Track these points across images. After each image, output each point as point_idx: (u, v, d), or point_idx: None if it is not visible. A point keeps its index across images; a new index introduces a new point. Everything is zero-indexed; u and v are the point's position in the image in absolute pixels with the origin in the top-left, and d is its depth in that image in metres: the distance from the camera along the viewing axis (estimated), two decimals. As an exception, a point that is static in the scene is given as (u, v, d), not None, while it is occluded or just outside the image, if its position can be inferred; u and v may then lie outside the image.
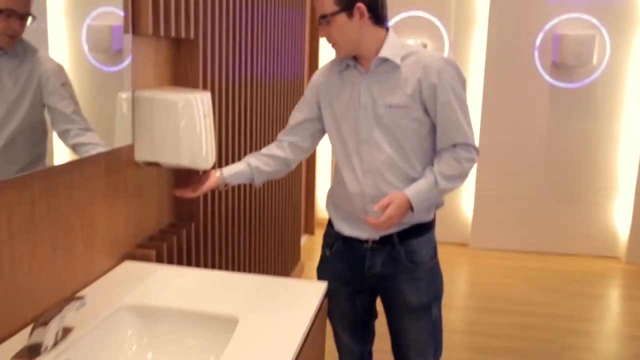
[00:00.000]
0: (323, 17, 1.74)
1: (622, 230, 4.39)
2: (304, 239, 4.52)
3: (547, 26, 4.20)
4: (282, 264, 3.37)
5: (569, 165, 4.37)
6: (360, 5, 1.74)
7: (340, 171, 1.90)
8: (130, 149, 1.70)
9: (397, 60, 1.78)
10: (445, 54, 4.38)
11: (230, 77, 2.31)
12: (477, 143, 1.87)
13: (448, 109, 1.78)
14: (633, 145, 4.25)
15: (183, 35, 1.86)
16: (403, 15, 4.39)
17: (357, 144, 1.83)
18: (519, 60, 4.29)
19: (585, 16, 4.16)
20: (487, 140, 4.32)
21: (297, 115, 1.98)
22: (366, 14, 1.74)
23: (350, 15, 1.74)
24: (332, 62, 1.93)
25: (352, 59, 1.85)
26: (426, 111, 1.80)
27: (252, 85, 2.58)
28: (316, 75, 1.97)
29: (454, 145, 1.81)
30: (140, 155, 1.75)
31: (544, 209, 4.44)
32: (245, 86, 2.50)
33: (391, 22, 4.40)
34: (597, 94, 4.25)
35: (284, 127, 2.21)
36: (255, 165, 1.95)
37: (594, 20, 4.15)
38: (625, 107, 4.26)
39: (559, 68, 4.24)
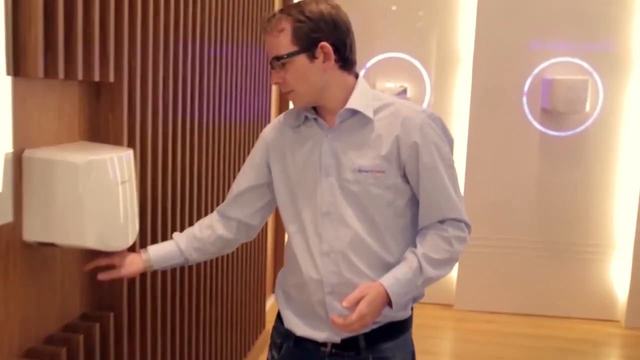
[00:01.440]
0: (277, 58, 1.39)
1: (620, 290, 4.02)
2: (271, 301, 4.07)
3: (536, 70, 3.90)
4: (243, 335, 2.91)
5: (562, 219, 4.02)
6: (325, 44, 1.39)
7: (293, 251, 1.50)
8: (13, 226, 1.28)
9: (369, 112, 1.43)
10: (427, 97, 4.05)
11: (170, 128, 1.92)
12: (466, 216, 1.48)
13: (434, 175, 1.41)
14: (630, 197, 3.92)
15: (97, 77, 1.46)
16: (381, 56, 4.06)
17: (315, 217, 1.45)
18: (506, 106, 3.96)
19: (576, 60, 3.86)
20: (472, 191, 3.96)
21: (242, 181, 1.59)
22: (332, 56, 1.40)
23: (312, 57, 1.39)
24: (287, 115, 1.55)
25: (311, 111, 1.48)
26: (405, 178, 1.43)
27: (200, 135, 2.18)
28: (266, 130, 1.60)
29: (442, 222, 1.43)
30: (31, 234, 1.33)
31: (535, 267, 4.06)
32: (192, 137, 2.10)
33: (368, 64, 4.08)
34: (590, 143, 3.94)
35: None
36: (187, 248, 1.56)
37: (585, 65, 3.86)
38: (620, 157, 3.94)
39: (549, 115, 3.93)
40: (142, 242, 1.74)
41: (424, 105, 4.05)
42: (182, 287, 2.08)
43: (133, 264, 1.50)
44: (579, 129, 3.91)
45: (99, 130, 1.60)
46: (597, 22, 3.85)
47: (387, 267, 1.41)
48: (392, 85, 4.02)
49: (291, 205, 1.50)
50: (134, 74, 1.65)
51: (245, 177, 1.58)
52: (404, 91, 4.00)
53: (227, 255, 2.59)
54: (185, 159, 2.05)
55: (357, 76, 1.48)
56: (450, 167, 1.44)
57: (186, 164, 2.06)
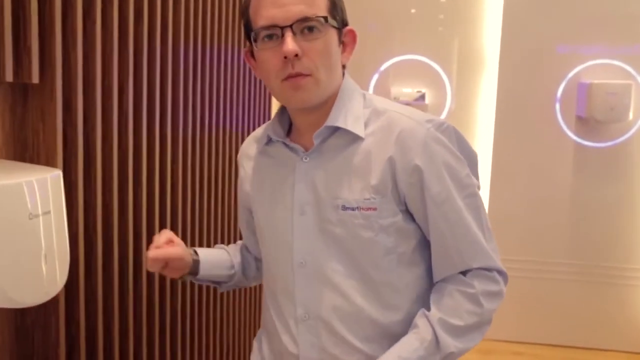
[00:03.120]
0: (306, 19, 1.01)
1: (664, 321, 3.58)
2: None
3: (571, 74, 3.49)
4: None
5: (599, 240, 3.59)
6: (353, 30, 1.08)
7: (269, 313, 1.15)
8: None
9: (359, 128, 1.06)
10: (447, 104, 3.66)
11: (131, 142, 1.56)
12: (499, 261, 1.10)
13: (448, 211, 1.04)
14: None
15: (10, 77, 1.11)
16: (397, 59, 3.69)
17: (287, 271, 1.09)
18: (536, 114, 3.55)
19: (617, 62, 3.45)
20: (498, 209, 3.56)
21: (241, 213, 1.33)
22: (354, 47, 1.10)
23: (340, 40, 1.07)
24: (262, 131, 1.20)
25: (279, 128, 1.13)
26: (409, 214, 1.06)
27: (175, 153, 1.82)
28: (244, 145, 1.27)
29: (465, 272, 1.05)
30: None
31: (568, 294, 3.63)
32: (162, 156, 1.74)
33: (383, 67, 3.70)
34: (633, 155, 3.51)
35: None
36: (235, 255, 1.33)
37: (628, 68, 3.44)
38: (666, 172, 3.51)
39: (585, 123, 3.51)
40: (69, 295, 1.36)
41: (444, 114, 3.66)
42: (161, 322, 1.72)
43: (183, 257, 1.19)
44: (620, 140, 3.49)
45: (25, 144, 1.25)
46: (638, 23, 3.44)
47: (390, 337, 1.04)
48: (410, 90, 3.64)
49: (266, 252, 1.16)
50: (71, 74, 1.29)
51: (241, 207, 1.31)
52: (422, 97, 3.62)
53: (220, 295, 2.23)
54: (152, 182, 1.68)
55: (343, 75, 1.13)
56: (471, 195, 1.06)
57: (154, 188, 1.69)
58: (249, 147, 1.24)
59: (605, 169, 3.54)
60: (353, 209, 1.04)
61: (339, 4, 1.07)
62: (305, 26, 1.01)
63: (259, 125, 2.64)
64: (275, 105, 3.27)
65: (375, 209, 1.03)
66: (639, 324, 3.61)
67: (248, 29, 1.07)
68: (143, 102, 1.59)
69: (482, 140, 3.65)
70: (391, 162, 1.04)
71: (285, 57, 1.00)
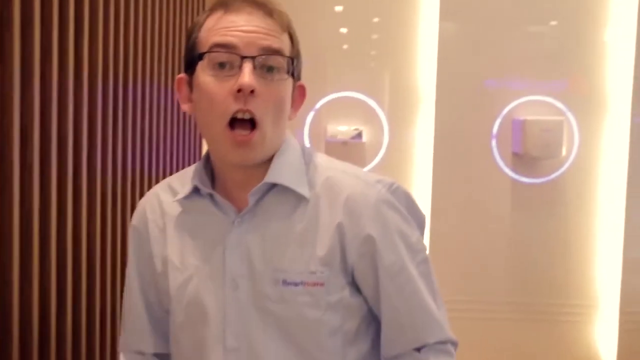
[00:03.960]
0: (274, 55, 0.91)
1: (606, 355, 3.57)
2: None
3: (505, 110, 3.51)
4: None
5: (538, 276, 3.58)
6: (303, 85, 0.99)
7: None
8: None
9: (302, 187, 0.94)
10: (385, 142, 3.60)
11: (36, 194, 1.35)
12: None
13: (403, 282, 0.94)
14: (612, 249, 3.52)
15: None
16: (333, 96, 3.60)
17: (217, 356, 0.93)
18: (473, 151, 3.54)
19: (549, 99, 3.49)
20: (437, 248, 3.49)
21: (135, 297, 1.08)
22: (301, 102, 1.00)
23: (293, 90, 0.95)
24: (178, 181, 1.04)
25: (208, 182, 0.98)
26: (355, 286, 0.95)
27: (91, 204, 1.62)
28: (148, 199, 1.08)
29: (419, 349, 0.94)
30: None
31: (509, 331, 3.58)
32: (76, 208, 1.54)
33: (318, 105, 3.61)
34: (567, 190, 3.54)
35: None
36: None
37: (559, 104, 3.49)
38: (599, 205, 3.55)
39: (521, 159, 3.52)
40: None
41: (381, 151, 3.60)
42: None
43: None
44: (554, 175, 3.51)
45: None
46: (569, 60, 3.51)
47: None
48: (346, 128, 3.56)
49: (180, 336, 0.98)
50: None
51: (130, 294, 1.08)
52: (359, 135, 3.54)
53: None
54: (63, 248, 1.47)
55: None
56: (423, 261, 0.98)
57: (65, 256, 1.48)
58: (158, 201, 1.04)
59: (541, 204, 3.55)
60: (296, 284, 0.90)
61: (300, 54, 0.98)
62: (268, 64, 0.90)
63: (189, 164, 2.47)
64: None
65: (322, 284, 0.90)
66: (590, 359, 3.59)
67: (192, 51, 0.93)
68: (52, 150, 1.40)
69: (420, 177, 3.60)
70: (340, 229, 0.92)
71: (239, 91, 0.87)
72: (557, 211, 3.56)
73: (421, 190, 3.57)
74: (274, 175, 0.93)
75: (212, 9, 0.94)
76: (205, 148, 3.06)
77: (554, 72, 3.51)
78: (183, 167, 2.35)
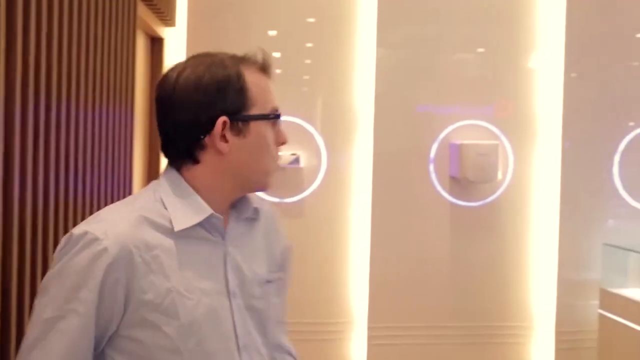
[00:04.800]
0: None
1: (543, 378, 3.61)
2: None
3: (442, 134, 3.53)
4: None
5: (477, 298, 3.58)
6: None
7: None
8: None
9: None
10: (323, 166, 3.54)
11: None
12: None
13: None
14: (547, 270, 3.57)
15: None
16: (269, 120, 3.51)
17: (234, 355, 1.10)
18: (412, 175, 3.53)
19: (483, 123, 3.54)
20: (377, 271, 3.44)
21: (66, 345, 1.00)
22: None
23: None
24: (142, 216, 1.05)
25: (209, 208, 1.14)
26: None
27: (7, 239, 1.45)
28: (128, 237, 1.04)
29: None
30: None
31: (449, 355, 3.55)
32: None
33: (255, 129, 3.51)
34: (503, 213, 3.58)
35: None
36: None
37: (493, 128, 3.55)
38: (534, 227, 3.61)
39: (458, 184, 3.54)
40: None
41: (320, 175, 3.54)
42: None
43: None
44: (490, 199, 3.55)
45: None
46: (497, 86, 3.59)
47: None
48: (283, 153, 3.48)
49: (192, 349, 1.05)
50: None
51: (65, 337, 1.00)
52: (297, 160, 3.47)
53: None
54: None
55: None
56: None
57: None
58: (139, 235, 1.03)
59: (478, 228, 3.58)
60: (270, 282, 1.18)
61: None
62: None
63: (119, 194, 2.31)
64: (138, 172, 2.94)
65: (279, 279, 1.22)
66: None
67: (242, 101, 1.08)
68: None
69: (360, 201, 3.55)
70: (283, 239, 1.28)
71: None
72: (493, 234, 3.59)
73: (360, 214, 3.53)
74: (254, 201, 1.19)
75: (247, 62, 1.10)
76: (137, 175, 2.89)
77: (484, 98, 3.58)
78: (113, 195, 2.19)
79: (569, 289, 3.53)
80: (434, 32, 3.57)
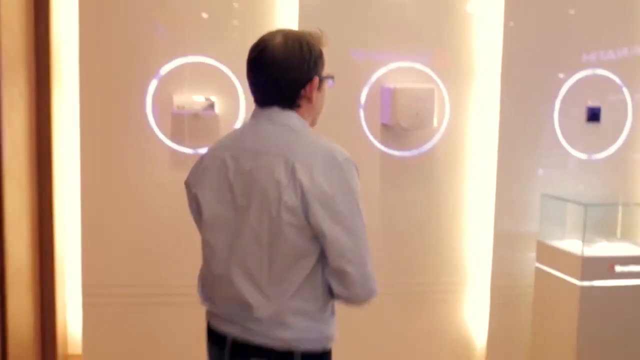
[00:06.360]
0: None
1: (477, 333, 3.46)
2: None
3: (373, 78, 3.20)
4: None
5: (409, 255, 3.35)
6: None
7: None
8: None
9: None
10: (241, 114, 3.17)
11: None
12: None
13: None
14: (483, 224, 3.38)
15: None
16: (180, 61, 3.10)
17: None
18: (342, 121, 3.18)
19: (418, 66, 3.23)
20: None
21: None
22: None
23: None
24: None
25: None
26: None
27: None
28: None
29: None
30: None
31: (379, 317, 3.32)
32: None
33: (162, 71, 3.09)
34: (438, 163, 3.33)
35: None
36: None
37: (429, 72, 3.25)
38: (469, 178, 3.38)
39: (391, 131, 3.24)
40: None
41: (237, 124, 3.17)
42: None
43: None
44: (424, 148, 3.28)
45: None
46: (434, 31, 3.28)
47: None
48: (200, 98, 3.07)
49: None
50: None
51: None
52: (211, 106, 3.07)
53: None
54: None
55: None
56: None
57: None
58: None
59: (412, 179, 3.32)
60: None
61: None
62: None
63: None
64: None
65: None
66: (451, 340, 3.44)
67: (321, 69, 1.54)
68: None
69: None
70: None
71: None
72: (427, 185, 3.34)
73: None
74: None
75: (318, 38, 1.55)
76: None
77: (421, 43, 3.27)
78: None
79: (505, 242, 3.36)
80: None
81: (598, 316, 2.97)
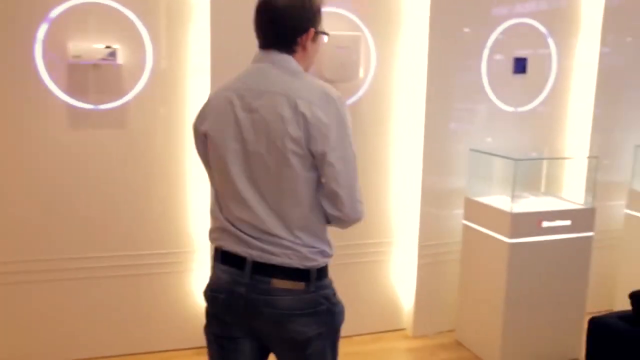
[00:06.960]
0: None
1: (405, 295, 3.36)
2: None
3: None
4: None
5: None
6: None
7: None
8: None
9: None
10: (148, 64, 2.84)
11: None
12: None
13: None
14: (410, 180, 3.25)
15: None
16: (73, 2, 2.71)
17: None
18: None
19: (342, 11, 3.00)
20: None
21: None
22: None
23: None
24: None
25: None
26: None
27: None
28: None
29: None
30: None
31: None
32: None
33: (53, 13, 2.70)
34: (363, 117, 3.14)
35: None
36: None
37: (354, 18, 3.02)
38: (395, 133, 3.23)
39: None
40: None
41: (145, 74, 2.84)
42: None
43: None
44: (350, 101, 3.07)
45: None
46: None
47: None
48: (102, 47, 2.71)
49: None
50: None
51: None
52: (112, 54, 2.72)
53: None
54: None
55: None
56: None
57: None
58: None
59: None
60: None
61: None
62: None
63: None
64: None
65: None
66: (378, 301, 3.33)
67: (319, 23, 1.63)
68: None
69: (197, 105, 2.92)
70: None
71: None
72: (353, 140, 3.15)
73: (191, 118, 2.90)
74: None
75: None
76: None
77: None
78: None
79: (433, 199, 3.24)
80: None
81: (525, 271, 2.93)
